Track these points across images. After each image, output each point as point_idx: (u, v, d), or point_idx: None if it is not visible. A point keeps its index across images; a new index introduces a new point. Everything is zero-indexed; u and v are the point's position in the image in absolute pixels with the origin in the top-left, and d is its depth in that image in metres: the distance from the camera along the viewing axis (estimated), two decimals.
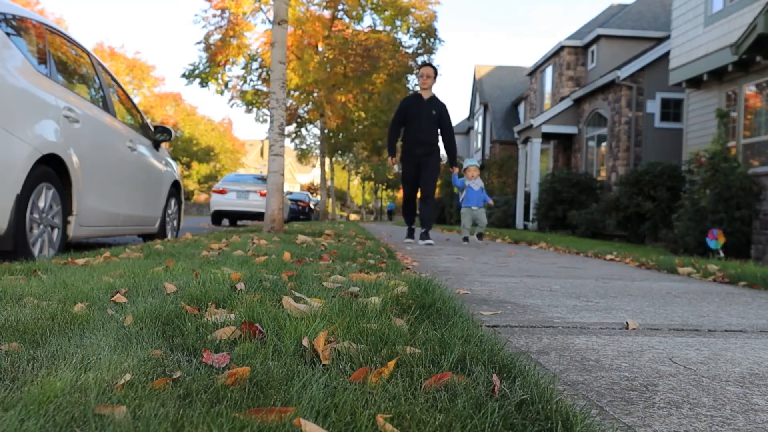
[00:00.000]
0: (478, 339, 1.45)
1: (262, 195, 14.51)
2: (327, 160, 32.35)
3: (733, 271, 3.90)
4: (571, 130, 17.57)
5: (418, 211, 7.53)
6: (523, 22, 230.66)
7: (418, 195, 7.41)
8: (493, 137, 26.22)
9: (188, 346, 1.31)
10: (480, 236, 7.61)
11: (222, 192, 15.32)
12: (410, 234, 7.66)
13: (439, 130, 7.23)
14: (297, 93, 23.68)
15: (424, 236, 7.02)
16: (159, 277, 2.37)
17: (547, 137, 18.18)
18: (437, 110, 7.13)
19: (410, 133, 7.15)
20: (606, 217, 13.05)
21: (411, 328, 1.54)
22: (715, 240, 8.14)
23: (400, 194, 71.42)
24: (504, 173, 22.63)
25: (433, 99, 7.17)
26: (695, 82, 11.68)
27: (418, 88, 7.35)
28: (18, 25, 3.78)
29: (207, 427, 0.85)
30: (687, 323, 2.17)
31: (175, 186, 6.68)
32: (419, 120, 7.08)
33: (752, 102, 10.53)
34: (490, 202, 7.64)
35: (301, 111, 26.15)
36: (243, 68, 23.90)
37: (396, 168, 35.67)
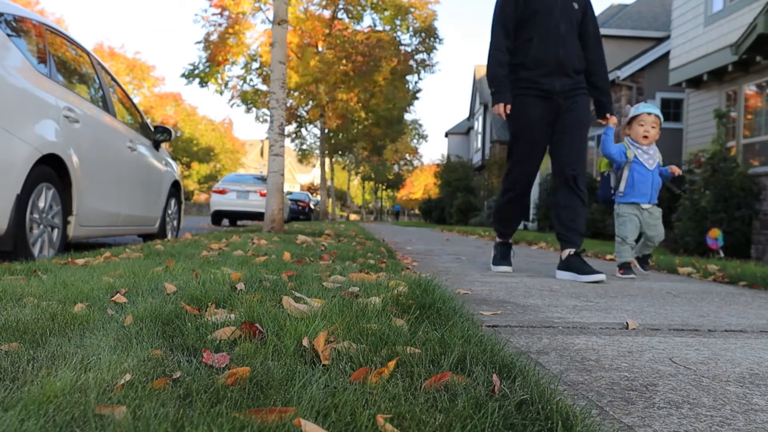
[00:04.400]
0: (478, 339, 1.45)
1: (262, 195, 14.51)
2: (327, 160, 32.36)
3: (733, 271, 3.90)
4: None
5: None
6: None
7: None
8: (493, 137, 26.22)
9: (188, 346, 1.31)
10: (645, 260, 4.22)
11: (222, 192, 15.33)
12: (506, 253, 4.05)
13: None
14: (297, 93, 23.70)
15: (575, 264, 3.53)
16: (159, 277, 2.37)
17: None
18: (580, 3, 3.72)
19: (536, 48, 3.62)
20: (606, 217, 13.05)
21: (411, 328, 1.54)
22: (716, 239, 8.13)
23: (402, 192, 59.24)
24: None
25: None
26: (695, 82, 11.69)
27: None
28: (18, 25, 3.77)
29: (207, 427, 0.85)
30: (687, 323, 2.17)
31: (175, 186, 6.68)
32: (551, 20, 3.61)
33: (752, 102, 10.53)
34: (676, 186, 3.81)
35: (301, 111, 26.17)
36: (243, 68, 23.91)
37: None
